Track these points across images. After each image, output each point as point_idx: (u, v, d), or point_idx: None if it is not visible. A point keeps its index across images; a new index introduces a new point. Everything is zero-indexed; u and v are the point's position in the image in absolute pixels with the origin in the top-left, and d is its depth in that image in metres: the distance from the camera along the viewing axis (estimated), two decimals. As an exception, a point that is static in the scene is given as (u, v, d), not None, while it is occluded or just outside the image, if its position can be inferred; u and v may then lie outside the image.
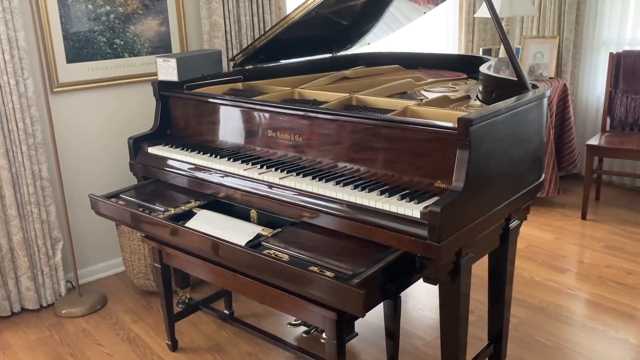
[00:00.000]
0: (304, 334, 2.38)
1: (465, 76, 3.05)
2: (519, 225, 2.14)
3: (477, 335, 2.54)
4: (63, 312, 2.92)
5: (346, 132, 2.03)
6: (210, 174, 2.29)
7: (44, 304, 2.98)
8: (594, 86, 4.51)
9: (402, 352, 2.36)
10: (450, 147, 1.77)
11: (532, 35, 4.49)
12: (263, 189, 2.09)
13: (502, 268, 2.16)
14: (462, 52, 4.67)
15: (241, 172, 2.18)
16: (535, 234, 3.68)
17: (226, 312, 2.79)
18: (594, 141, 3.85)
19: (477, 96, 2.51)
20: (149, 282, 3.00)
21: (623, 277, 3.12)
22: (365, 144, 1.99)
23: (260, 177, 2.11)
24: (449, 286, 1.82)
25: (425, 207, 1.69)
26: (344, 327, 1.86)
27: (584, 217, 3.89)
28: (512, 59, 2.13)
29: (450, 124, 1.77)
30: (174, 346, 2.58)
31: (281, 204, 2.04)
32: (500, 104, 1.88)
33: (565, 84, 4.21)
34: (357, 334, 2.53)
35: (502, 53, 4.26)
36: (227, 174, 2.23)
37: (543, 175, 2.21)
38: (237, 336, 2.68)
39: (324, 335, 2.23)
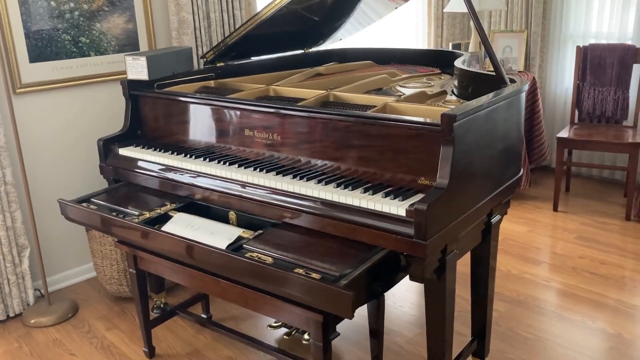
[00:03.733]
0: (285, 336, 2.34)
1: (438, 71, 3.04)
2: (500, 220, 2.14)
3: (459, 331, 2.53)
4: (32, 321, 2.81)
5: (327, 130, 1.99)
6: (185, 175, 2.22)
7: (11, 314, 2.87)
8: (561, 79, 4.58)
9: (385, 350, 2.34)
10: (433, 144, 1.75)
11: (500, 30, 4.52)
12: (241, 190, 2.04)
13: (484, 264, 2.16)
14: (432, 47, 4.68)
15: (217, 172, 2.12)
16: (509, 227, 3.71)
17: (204, 316, 2.72)
18: (564, 134, 3.90)
19: (452, 91, 2.50)
20: (122, 287, 2.91)
21: (596, 268, 3.16)
22: (346, 141, 1.95)
23: (237, 177, 2.06)
24: (434, 284, 1.80)
25: (411, 205, 1.67)
26: (330, 329, 1.82)
27: (555, 209, 3.95)
28: (490, 52, 2.12)
29: (434, 121, 1.75)
30: (151, 353, 2.51)
31: (261, 204, 1.99)
32: (482, 99, 1.87)
33: (534, 78, 4.25)
34: (338, 334, 2.49)
35: (472, 47, 4.28)
36: (202, 175, 2.17)
37: (522, 170, 2.22)
38: (216, 340, 2.62)
39: (305, 336, 2.20)
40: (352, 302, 1.53)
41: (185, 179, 2.22)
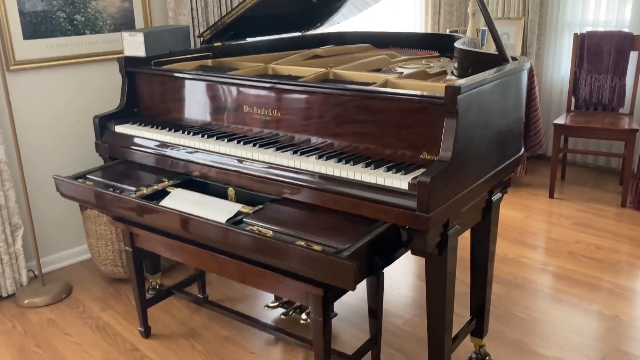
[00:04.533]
0: (282, 316, 2.32)
1: (437, 54, 3.03)
2: (500, 199, 2.13)
3: (457, 312, 2.49)
4: (25, 302, 2.78)
5: (327, 105, 1.96)
6: (183, 151, 2.20)
7: (4, 295, 2.83)
8: (558, 67, 4.57)
9: (383, 331, 2.33)
10: (436, 118, 1.73)
11: (497, 17, 4.51)
12: (240, 166, 2.02)
13: (484, 244, 2.14)
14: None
15: (216, 148, 2.10)
16: (506, 212, 3.71)
17: (200, 296, 2.70)
18: (560, 120, 3.90)
19: (452, 72, 2.48)
20: (117, 268, 2.88)
21: (593, 252, 3.17)
22: (347, 117, 1.93)
23: (236, 153, 2.04)
24: (436, 259, 1.79)
25: (414, 178, 1.65)
26: (330, 304, 1.81)
27: (551, 196, 3.95)
28: (493, 29, 2.10)
29: (438, 94, 1.73)
30: (147, 333, 2.48)
31: (260, 180, 1.97)
32: (485, 74, 1.85)
33: (531, 65, 4.25)
34: (336, 314, 2.50)
35: (469, 34, 4.26)
36: (200, 151, 2.14)
37: (523, 149, 2.21)
38: (213, 320, 2.60)
39: (302, 316, 2.19)
40: (354, 273, 1.51)
41: (183, 155, 2.19)
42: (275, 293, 1.98)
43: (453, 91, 1.66)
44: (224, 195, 2.13)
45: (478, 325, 2.24)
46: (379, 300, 2.15)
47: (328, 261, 1.55)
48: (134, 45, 2.50)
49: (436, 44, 3.12)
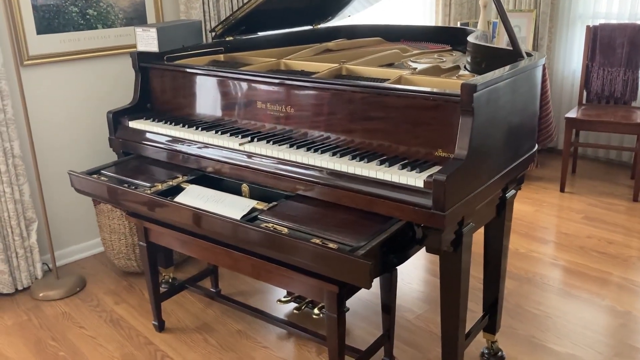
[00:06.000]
0: (294, 311, 2.33)
1: (449, 48, 3.01)
2: (514, 195, 2.13)
3: (470, 308, 2.51)
4: (40, 295, 2.80)
5: (341, 102, 1.96)
6: (196, 147, 2.21)
7: (20, 288, 2.86)
8: (569, 60, 4.54)
9: (395, 326, 2.34)
10: (452, 115, 1.73)
11: (509, 9, 4.48)
12: (254, 162, 2.02)
13: (498, 240, 2.15)
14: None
15: (230, 144, 2.10)
16: (516, 206, 3.70)
17: (212, 290, 2.72)
18: (572, 114, 3.88)
19: (465, 67, 2.47)
20: (130, 262, 2.90)
21: (604, 247, 3.16)
22: (361, 113, 1.93)
23: (250, 150, 2.04)
24: (450, 256, 1.79)
25: (429, 176, 1.65)
26: (344, 300, 1.82)
27: (562, 190, 3.94)
28: (507, 24, 2.09)
29: (453, 91, 1.73)
30: (160, 327, 2.51)
31: (275, 177, 1.97)
32: (501, 71, 1.84)
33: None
34: (348, 309, 2.50)
35: (480, 27, 4.24)
36: (214, 147, 2.15)
37: (537, 145, 2.20)
38: (225, 314, 2.62)
39: (315, 311, 2.20)
40: (369, 271, 1.52)
41: (196, 151, 2.20)
42: (290, 289, 1.99)
43: (469, 89, 1.65)
44: (238, 192, 2.14)
45: (491, 321, 2.24)
46: (392, 296, 2.17)
47: (343, 259, 1.56)
48: (147, 40, 2.50)
49: (447, 37, 3.11)
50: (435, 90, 1.78)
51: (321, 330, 2.32)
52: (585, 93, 4.14)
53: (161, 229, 2.21)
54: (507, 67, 1.91)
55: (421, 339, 2.41)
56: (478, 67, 2.29)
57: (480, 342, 2.30)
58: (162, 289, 2.79)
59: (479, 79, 1.70)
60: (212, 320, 2.59)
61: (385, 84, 1.93)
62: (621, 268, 2.93)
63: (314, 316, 2.19)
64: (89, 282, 2.94)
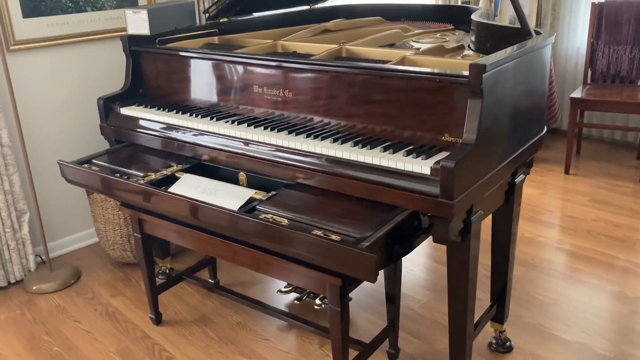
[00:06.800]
0: (295, 301, 2.25)
1: (452, 27, 2.91)
2: (523, 180, 2.04)
3: (477, 297, 2.46)
4: (34, 288, 2.73)
5: (342, 85, 1.87)
6: (190, 134, 2.11)
7: (12, 281, 2.78)
8: (573, 38, 4.43)
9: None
10: (459, 97, 1.64)
11: (511, -14, 4.35)
12: (252, 149, 1.93)
13: (506, 227, 2.07)
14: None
15: (227, 131, 2.01)
16: (520, 189, 3.62)
17: (211, 281, 2.65)
18: (577, 94, 3.78)
19: (469, 46, 2.38)
20: (126, 253, 2.82)
21: (612, 230, 3.09)
22: (363, 97, 1.84)
23: (247, 136, 1.95)
24: (458, 246, 1.71)
25: (437, 163, 1.56)
26: (347, 293, 1.74)
27: (567, 172, 3.85)
28: (515, 2, 1.99)
29: (460, 72, 1.63)
30: (157, 320, 2.43)
31: (273, 165, 1.88)
32: (509, 50, 1.75)
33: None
34: (351, 299, 2.43)
35: (482, 5, 4.12)
36: (210, 134, 2.06)
37: (545, 127, 2.12)
38: (224, 306, 2.54)
39: (317, 301, 2.12)
40: (375, 264, 1.44)
41: (191, 138, 2.11)
42: (290, 281, 1.91)
43: (478, 69, 1.56)
44: (235, 180, 2.05)
45: (499, 310, 2.17)
46: (397, 286, 2.09)
47: (347, 252, 1.48)
48: (137, 22, 2.40)
49: (449, 16, 3.00)
50: (441, 71, 1.69)
51: (323, 322, 2.25)
52: (590, 72, 4.03)
53: (156, 220, 2.13)
54: (516, 47, 1.81)
55: (426, 328, 2.34)
56: (483, 47, 2.19)
57: (487, 331, 2.23)
58: (159, 280, 2.72)
59: (488, 59, 1.60)
60: (211, 312, 2.52)
61: (388, 65, 1.83)
62: (629, 252, 2.86)
63: (316, 307, 2.11)
64: (84, 274, 2.87)
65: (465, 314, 1.80)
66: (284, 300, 2.54)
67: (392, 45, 2.50)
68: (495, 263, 2.14)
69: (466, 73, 1.59)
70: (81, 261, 2.99)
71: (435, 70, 1.70)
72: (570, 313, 2.40)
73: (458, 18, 2.92)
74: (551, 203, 3.46)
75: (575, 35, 4.41)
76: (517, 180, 1.98)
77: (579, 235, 3.05)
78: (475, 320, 1.99)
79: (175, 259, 2.90)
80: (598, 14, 3.91)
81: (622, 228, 3.11)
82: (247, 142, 1.96)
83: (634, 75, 3.89)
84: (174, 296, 2.63)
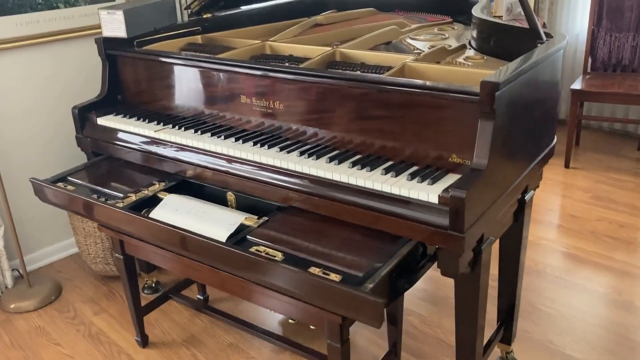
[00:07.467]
0: (290, 320, 2.12)
1: (450, 20, 2.74)
2: (532, 196, 1.90)
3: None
4: (11, 307, 2.57)
5: (338, 98, 1.70)
6: (173, 149, 1.94)
7: (-11, 298, 2.63)
8: (572, 24, 4.27)
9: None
10: (466, 115, 1.48)
11: (508, -30, 4.16)
12: (239, 168, 1.77)
13: (515, 245, 1.93)
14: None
15: (211, 147, 1.84)
16: (520, 186, 3.50)
17: (200, 297, 2.51)
18: (577, 85, 3.63)
19: (469, 43, 2.22)
20: (109, 267, 2.67)
21: (616, 231, 2.97)
22: (361, 111, 1.68)
23: (235, 154, 1.79)
24: (467, 277, 1.58)
25: (445, 190, 1.42)
26: (348, 329, 1.60)
27: (567, 166, 3.73)
28: (524, 3, 1.83)
29: (470, 88, 1.48)
30: (144, 342, 2.29)
31: (264, 186, 1.72)
32: (521, 61, 1.59)
33: (544, 23, 3.95)
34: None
35: (478, -10, 3.94)
36: (194, 150, 1.89)
37: (556, 137, 1.97)
38: (214, 324, 2.41)
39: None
40: (381, 310, 1.30)
41: (174, 154, 1.94)
42: (285, 314, 1.77)
43: (490, 87, 1.40)
44: (223, 200, 1.89)
45: (506, 331, 2.05)
46: (399, 307, 1.97)
47: (349, 295, 1.34)
48: (113, 24, 2.21)
49: (447, 6, 2.83)
50: (447, 86, 1.53)
51: (319, 342, 2.12)
52: (590, 60, 3.88)
53: (139, 242, 1.97)
54: (530, 57, 1.64)
55: (430, 348, 2.22)
56: (486, 45, 2.05)
57: (494, 351, 2.11)
58: (145, 295, 2.58)
59: (500, 75, 1.45)
60: (200, 331, 2.38)
61: (387, 77, 1.66)
62: (635, 256, 2.75)
63: (312, 327, 1.98)
64: (65, 289, 2.71)
65: (474, 349, 1.68)
66: (278, 317, 2.41)
67: (388, 44, 2.34)
68: (503, 285, 2.01)
69: (476, 89, 1.44)
70: (62, 274, 2.83)
71: (440, 86, 1.54)
72: (578, 327, 2.29)
73: (455, 9, 2.76)
74: (552, 201, 3.33)
75: (574, 20, 4.25)
76: (528, 197, 1.84)
77: (582, 237, 2.94)
78: (483, 345, 1.87)
79: (161, 271, 2.75)
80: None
81: (626, 228, 2.99)
82: (234, 160, 1.79)
83: (636, 64, 3.74)
84: (161, 313, 2.48)
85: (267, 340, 2.20)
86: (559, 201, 3.33)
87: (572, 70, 4.29)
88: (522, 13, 3.97)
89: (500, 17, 4.11)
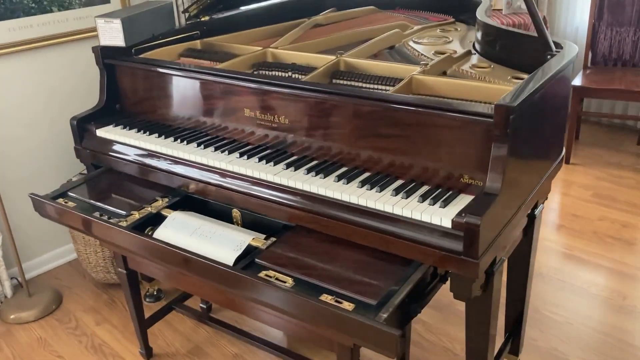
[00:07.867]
0: (295, 331, 2.10)
1: (452, 20, 2.70)
2: (542, 210, 1.88)
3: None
4: (11, 317, 2.54)
5: (344, 114, 1.66)
6: (175, 163, 1.90)
7: (-12, 308, 2.60)
8: (572, 17, 4.22)
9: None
10: (478, 135, 1.45)
11: (507, -38, 4.10)
12: (247, 187, 1.73)
13: (524, 257, 1.92)
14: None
15: (217, 163, 1.80)
16: (521, 184, 3.48)
17: (203, 306, 2.48)
18: (578, 81, 3.60)
19: (473, 46, 2.19)
20: (110, 275, 2.63)
21: (619, 231, 2.97)
22: (368, 129, 1.64)
23: (241, 170, 1.75)
24: (478, 299, 1.56)
25: (458, 214, 1.39)
26: (359, 351, 1.59)
27: (567, 162, 3.71)
28: (531, 8, 1.77)
29: (482, 110, 1.44)
30: (148, 354, 2.27)
31: (270, 204, 1.69)
32: (536, 80, 1.55)
33: (544, 17, 3.90)
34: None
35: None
36: (197, 166, 1.85)
37: (564, 149, 1.95)
38: (219, 334, 2.39)
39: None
40: (396, 342, 1.28)
41: (176, 168, 1.90)
42: (295, 335, 1.75)
43: (505, 111, 1.37)
44: (228, 217, 1.86)
45: (514, 343, 2.04)
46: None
47: (364, 326, 1.31)
48: (110, 33, 2.15)
49: (449, 4, 2.78)
50: (460, 107, 1.49)
51: (323, 356, 2.11)
52: (590, 55, 3.85)
53: (142, 259, 1.94)
54: (543, 74, 1.59)
55: (436, 357, 2.21)
56: (491, 49, 2.02)
57: (500, 361, 2.11)
58: (147, 303, 2.56)
59: (514, 97, 1.41)
60: (205, 341, 2.36)
61: (398, 96, 1.62)
62: (638, 257, 2.74)
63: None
64: (66, 297, 2.68)
65: (486, 353, 1.67)
66: (282, 326, 2.39)
67: (392, 48, 2.30)
68: (511, 297, 2.00)
69: (490, 111, 1.41)
70: (61, 281, 2.79)
71: (454, 106, 1.50)
72: (585, 335, 2.28)
73: (457, 7, 2.71)
74: (553, 199, 3.32)
75: (574, 13, 4.20)
76: (537, 211, 1.82)
77: (585, 238, 2.93)
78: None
79: (163, 278, 2.72)
80: (600, -7, 3.70)
81: (628, 228, 2.99)
82: (239, 177, 1.76)
83: (637, 59, 3.71)
84: (164, 323, 2.46)
85: (272, 353, 2.18)
86: (561, 199, 3.32)
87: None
88: (522, 7, 3.93)
89: (499, 10, 4.07)
